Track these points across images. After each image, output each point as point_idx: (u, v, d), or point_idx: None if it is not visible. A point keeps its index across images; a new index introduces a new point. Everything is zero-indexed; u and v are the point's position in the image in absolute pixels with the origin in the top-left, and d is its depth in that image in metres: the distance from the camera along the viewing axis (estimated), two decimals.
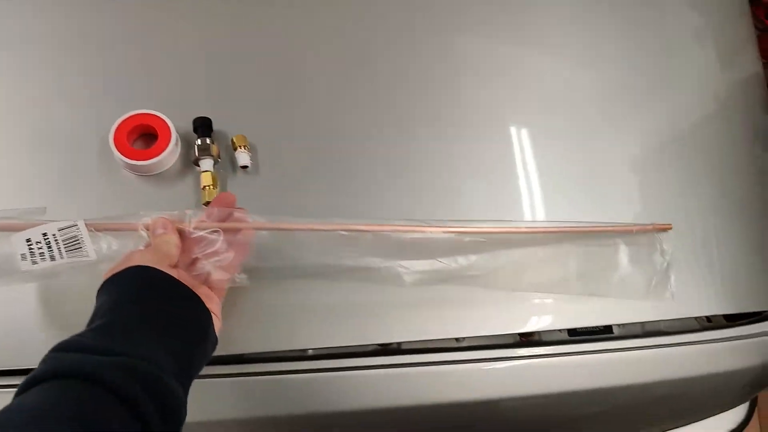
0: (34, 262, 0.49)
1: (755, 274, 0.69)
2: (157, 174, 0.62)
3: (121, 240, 0.51)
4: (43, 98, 0.65)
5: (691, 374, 0.63)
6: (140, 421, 0.38)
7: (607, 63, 0.74)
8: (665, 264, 0.62)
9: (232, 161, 0.63)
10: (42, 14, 0.68)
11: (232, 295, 0.55)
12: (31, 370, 0.39)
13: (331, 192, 0.64)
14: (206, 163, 0.61)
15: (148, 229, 0.51)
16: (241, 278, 0.53)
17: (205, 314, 0.48)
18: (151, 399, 0.39)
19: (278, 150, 0.64)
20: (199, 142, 0.61)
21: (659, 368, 0.63)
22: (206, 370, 0.49)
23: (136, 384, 0.38)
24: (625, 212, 0.66)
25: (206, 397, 0.55)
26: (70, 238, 0.49)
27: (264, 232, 0.55)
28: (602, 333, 0.64)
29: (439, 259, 0.58)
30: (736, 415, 0.84)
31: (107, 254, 0.50)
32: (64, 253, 0.49)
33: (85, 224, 0.50)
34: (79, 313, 0.46)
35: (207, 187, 0.60)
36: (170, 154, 0.61)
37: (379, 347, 0.60)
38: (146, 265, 0.47)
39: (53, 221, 0.50)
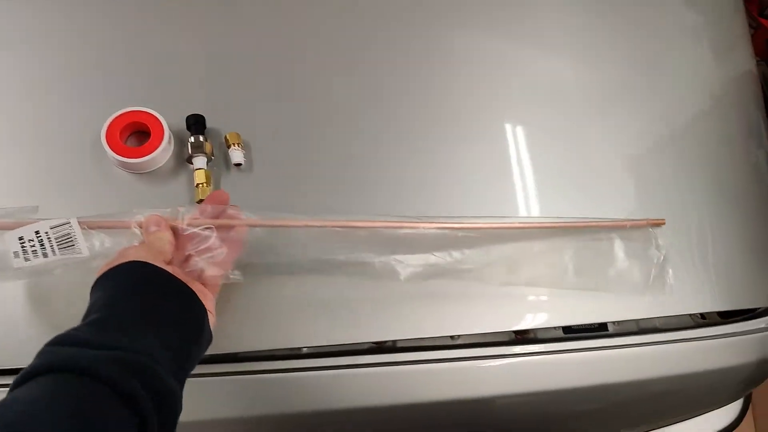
0: (27, 260, 0.48)
1: (749, 271, 0.69)
2: (150, 172, 0.62)
3: (114, 237, 0.51)
4: (34, 96, 0.64)
5: (686, 371, 0.64)
6: (138, 416, 0.38)
7: (602, 60, 0.74)
8: (662, 258, 0.63)
9: (226, 159, 0.63)
10: (33, 13, 0.68)
11: (226, 292, 0.55)
12: (22, 369, 0.38)
13: (324, 189, 0.63)
14: (199, 161, 0.61)
15: (141, 227, 0.51)
16: (235, 275, 0.53)
17: (200, 309, 0.48)
18: (148, 393, 0.38)
19: (272, 147, 0.64)
20: (192, 139, 0.61)
21: (654, 365, 0.63)
22: (200, 368, 0.49)
23: (133, 378, 0.38)
24: (619, 208, 0.66)
25: (200, 396, 0.55)
26: (63, 235, 0.50)
27: (258, 229, 0.55)
28: (597, 330, 0.64)
29: (434, 254, 0.58)
30: (730, 411, 0.84)
31: (100, 251, 0.50)
32: (56, 251, 0.49)
33: (78, 222, 0.50)
34: (72, 311, 0.45)
35: (200, 185, 0.59)
36: (163, 152, 0.61)
37: (374, 345, 0.60)
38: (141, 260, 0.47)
39: (46, 219, 0.50)
